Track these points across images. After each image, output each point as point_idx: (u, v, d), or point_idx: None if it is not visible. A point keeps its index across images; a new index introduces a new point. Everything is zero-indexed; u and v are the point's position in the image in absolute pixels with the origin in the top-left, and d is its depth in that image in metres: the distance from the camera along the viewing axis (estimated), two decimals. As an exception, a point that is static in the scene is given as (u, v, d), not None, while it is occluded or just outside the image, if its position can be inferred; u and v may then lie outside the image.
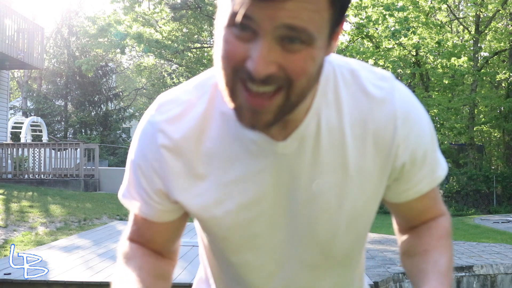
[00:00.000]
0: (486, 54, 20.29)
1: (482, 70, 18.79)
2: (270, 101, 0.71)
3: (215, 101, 0.84)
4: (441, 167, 0.93)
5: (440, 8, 18.31)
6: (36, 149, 13.10)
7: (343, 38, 18.63)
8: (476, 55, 19.04)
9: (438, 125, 17.40)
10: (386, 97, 0.83)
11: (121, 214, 9.11)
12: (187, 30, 22.14)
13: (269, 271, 0.92)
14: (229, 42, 0.71)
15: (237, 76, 0.71)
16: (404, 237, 1.01)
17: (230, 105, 0.74)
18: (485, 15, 19.54)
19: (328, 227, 0.87)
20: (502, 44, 19.54)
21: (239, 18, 0.68)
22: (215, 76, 0.84)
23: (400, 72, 18.10)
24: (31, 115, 21.53)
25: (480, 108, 21.28)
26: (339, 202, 0.86)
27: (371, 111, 0.83)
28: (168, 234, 0.96)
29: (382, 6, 15.89)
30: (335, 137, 0.83)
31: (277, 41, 0.68)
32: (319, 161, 0.83)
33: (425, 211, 0.96)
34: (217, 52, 0.74)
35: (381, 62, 16.28)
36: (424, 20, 16.58)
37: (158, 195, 0.88)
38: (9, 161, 12.83)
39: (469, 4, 19.67)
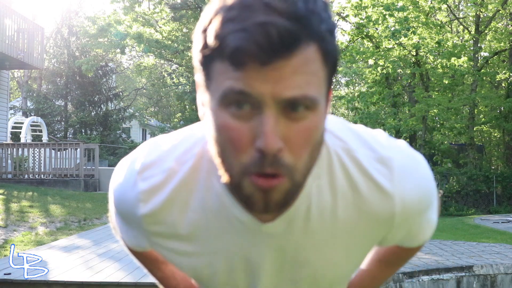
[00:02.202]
0: (486, 54, 20.26)
1: (482, 70, 18.76)
2: (278, 181, 0.67)
3: (199, 173, 0.79)
4: (429, 231, 0.93)
5: (440, 8, 18.29)
6: (36, 149, 13.10)
7: (343, 38, 18.63)
8: (476, 55, 19.01)
9: (438, 125, 17.38)
10: (386, 187, 0.79)
11: (121, 214, 9.10)
12: (187, 30, 22.12)
13: None
14: (228, 127, 0.66)
15: (247, 173, 0.67)
16: None
17: (236, 196, 0.72)
18: (485, 15, 19.52)
19: (312, 285, 0.89)
20: (502, 44, 19.52)
21: (239, 98, 0.64)
22: (200, 143, 0.80)
23: (400, 72, 18.09)
24: (31, 115, 21.53)
25: (480, 108, 21.25)
26: (325, 270, 0.86)
27: (368, 194, 0.79)
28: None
29: (382, 6, 15.88)
30: (327, 219, 0.80)
31: (280, 111, 0.65)
32: (308, 239, 0.81)
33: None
34: (213, 138, 0.69)
35: (381, 62, 16.29)
36: (424, 20, 16.56)
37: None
38: (9, 161, 12.83)
39: (469, 4, 19.65)
